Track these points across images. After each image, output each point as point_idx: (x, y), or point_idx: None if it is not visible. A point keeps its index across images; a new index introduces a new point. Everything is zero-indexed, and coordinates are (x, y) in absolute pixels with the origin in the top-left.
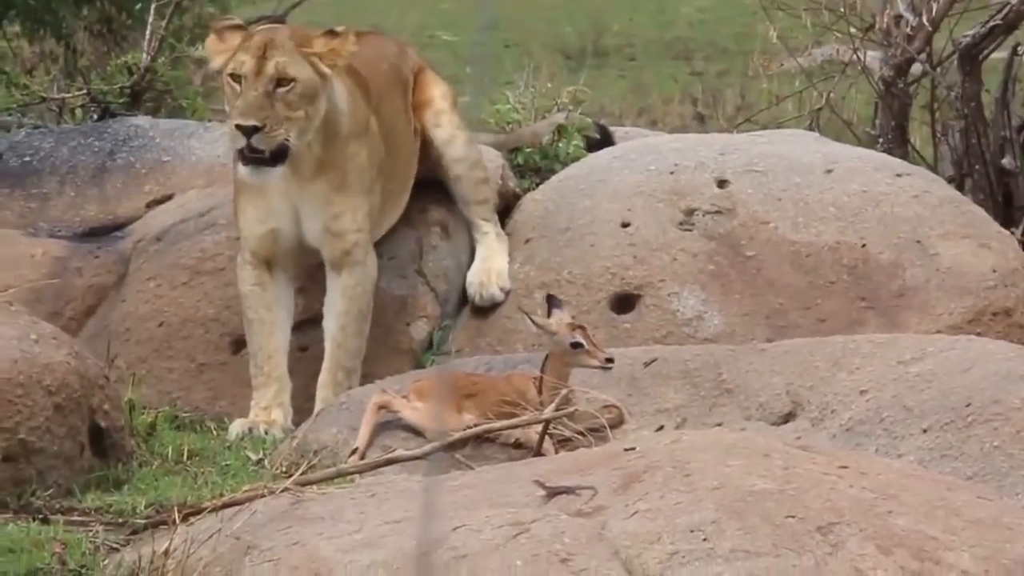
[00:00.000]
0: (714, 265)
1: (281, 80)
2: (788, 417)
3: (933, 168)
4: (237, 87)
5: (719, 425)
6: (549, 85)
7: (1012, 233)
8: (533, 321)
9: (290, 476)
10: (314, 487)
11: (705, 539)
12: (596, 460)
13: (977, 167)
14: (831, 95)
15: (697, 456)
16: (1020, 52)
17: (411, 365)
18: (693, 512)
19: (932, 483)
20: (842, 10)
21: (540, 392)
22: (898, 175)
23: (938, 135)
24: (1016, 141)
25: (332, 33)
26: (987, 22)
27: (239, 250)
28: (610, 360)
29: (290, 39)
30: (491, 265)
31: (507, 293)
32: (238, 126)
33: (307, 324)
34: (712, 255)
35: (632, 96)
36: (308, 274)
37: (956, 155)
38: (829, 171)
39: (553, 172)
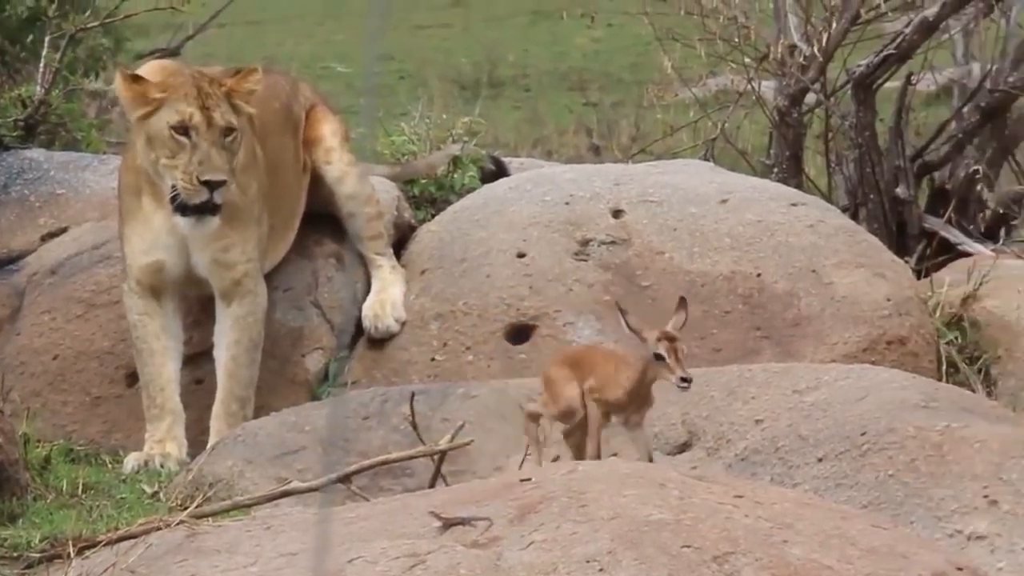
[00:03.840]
0: (609, 295)
1: (227, 130)
2: (684, 447)
3: (827, 197)
4: (185, 139)
5: (614, 455)
6: (444, 116)
7: (906, 262)
8: (627, 323)
9: (185, 509)
10: (209, 520)
11: (601, 569)
12: (492, 491)
13: (871, 196)
14: (726, 125)
15: (593, 486)
16: (913, 81)
17: (307, 396)
18: (589, 542)
19: (827, 512)
20: (736, 40)
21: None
22: (793, 204)
23: (832, 164)
24: (910, 170)
25: (238, 71)
26: (880, 52)
27: (125, 279)
28: (685, 380)
29: (210, 83)
30: (385, 297)
31: (402, 324)
32: (207, 182)
33: (201, 357)
34: (607, 285)
35: (527, 127)
36: (201, 306)
37: (850, 184)
38: (724, 201)
39: (449, 203)
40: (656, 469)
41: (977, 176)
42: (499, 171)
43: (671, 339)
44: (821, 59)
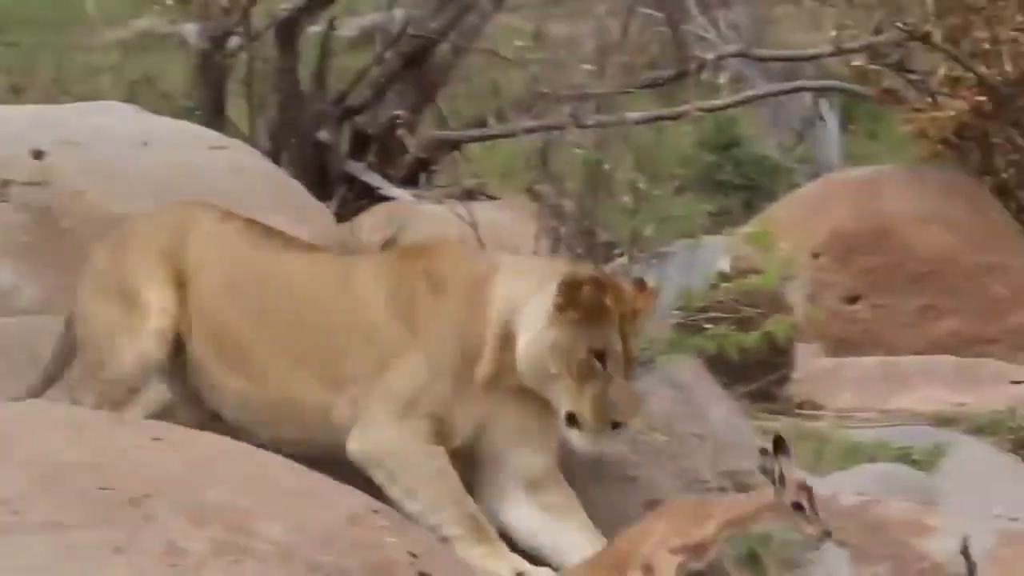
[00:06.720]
0: (29, 237)
1: (636, 361)
2: None
3: (250, 141)
4: (599, 366)
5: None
6: None
7: (327, 206)
8: (779, 465)
9: None
10: None
11: (16, 512)
12: None
13: (293, 140)
14: (149, 68)
15: (9, 428)
16: (335, 27)
17: None
18: (3, 484)
19: (247, 455)
20: None
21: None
22: (214, 148)
23: (255, 108)
24: (332, 115)
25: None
26: None
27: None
28: (827, 533)
29: (628, 301)
30: None
31: None
32: (616, 423)
33: None
34: (27, 227)
35: None
36: None
37: (273, 128)
38: (146, 143)
39: None
40: (76, 411)
41: (398, 121)
42: None
43: (808, 489)
44: (245, 2)
